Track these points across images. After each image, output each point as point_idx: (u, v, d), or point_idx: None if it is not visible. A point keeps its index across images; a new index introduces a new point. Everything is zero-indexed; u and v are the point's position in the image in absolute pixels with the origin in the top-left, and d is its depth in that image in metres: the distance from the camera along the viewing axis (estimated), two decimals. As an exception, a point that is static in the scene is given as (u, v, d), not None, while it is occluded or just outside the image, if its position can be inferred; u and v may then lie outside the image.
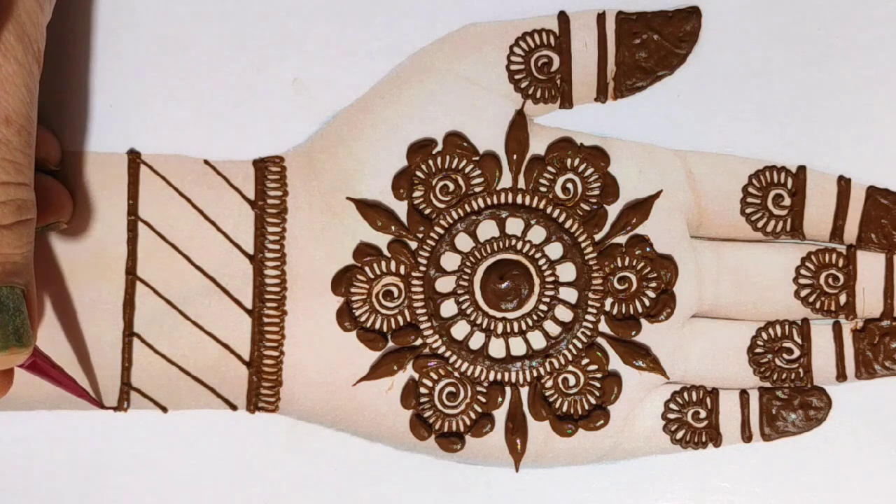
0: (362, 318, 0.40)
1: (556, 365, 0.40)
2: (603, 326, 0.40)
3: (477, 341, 0.40)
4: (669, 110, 0.40)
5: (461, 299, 0.40)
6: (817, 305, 0.40)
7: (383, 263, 0.40)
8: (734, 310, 0.40)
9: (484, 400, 0.40)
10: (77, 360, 0.39)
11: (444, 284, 0.40)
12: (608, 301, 0.40)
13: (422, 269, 0.40)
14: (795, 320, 0.40)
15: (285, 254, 0.40)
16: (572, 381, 0.40)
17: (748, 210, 0.40)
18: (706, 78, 0.40)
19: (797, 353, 0.40)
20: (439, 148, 0.39)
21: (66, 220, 0.38)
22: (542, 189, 0.40)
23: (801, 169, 0.40)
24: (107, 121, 0.40)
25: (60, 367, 0.37)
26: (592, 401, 0.39)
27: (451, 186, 0.40)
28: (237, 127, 0.40)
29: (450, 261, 0.40)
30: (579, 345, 0.40)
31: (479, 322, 0.40)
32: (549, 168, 0.40)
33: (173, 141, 0.40)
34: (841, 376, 0.40)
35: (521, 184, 0.40)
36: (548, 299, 0.40)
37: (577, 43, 0.40)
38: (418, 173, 0.39)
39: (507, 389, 0.40)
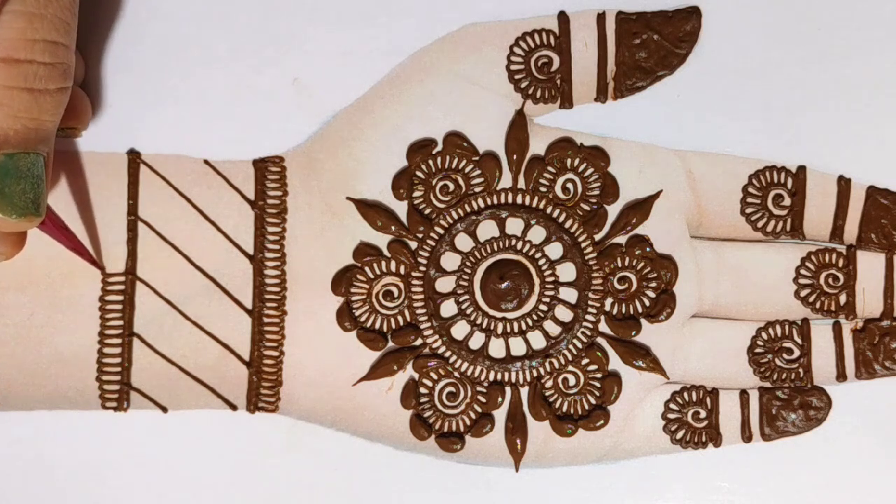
0: (362, 318, 0.40)
1: (556, 365, 0.40)
2: (603, 326, 0.40)
3: (477, 341, 0.40)
4: (669, 110, 0.40)
5: (461, 299, 0.40)
6: (817, 305, 0.40)
7: (383, 263, 0.40)
8: (734, 310, 0.40)
9: (484, 400, 0.40)
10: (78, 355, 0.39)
11: (444, 284, 0.40)
12: (608, 301, 0.40)
13: (422, 269, 0.40)
14: (795, 320, 0.40)
15: (285, 254, 0.40)
16: (572, 381, 0.40)
17: (748, 210, 0.40)
18: (706, 78, 0.40)
19: (797, 353, 0.40)
20: (439, 148, 0.39)
21: (83, 129, 0.38)
22: (542, 189, 0.40)
23: (801, 169, 0.40)
24: (107, 121, 0.40)
25: (68, 227, 0.37)
26: (592, 401, 0.39)
27: (451, 186, 0.40)
28: (237, 127, 0.40)
29: (450, 261, 0.40)
30: (579, 345, 0.40)
31: (479, 322, 0.40)
32: (549, 168, 0.40)
33: (173, 141, 0.40)
34: (841, 376, 0.40)
35: (521, 184, 0.40)
36: (548, 299, 0.40)
37: (577, 43, 0.40)
38: (418, 173, 0.39)
39: (507, 389, 0.40)
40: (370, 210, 0.39)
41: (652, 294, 0.40)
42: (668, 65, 0.40)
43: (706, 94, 0.40)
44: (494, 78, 0.39)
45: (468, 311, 0.40)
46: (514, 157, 0.39)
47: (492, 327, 0.40)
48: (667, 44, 0.40)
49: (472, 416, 0.40)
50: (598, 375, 0.40)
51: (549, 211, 0.40)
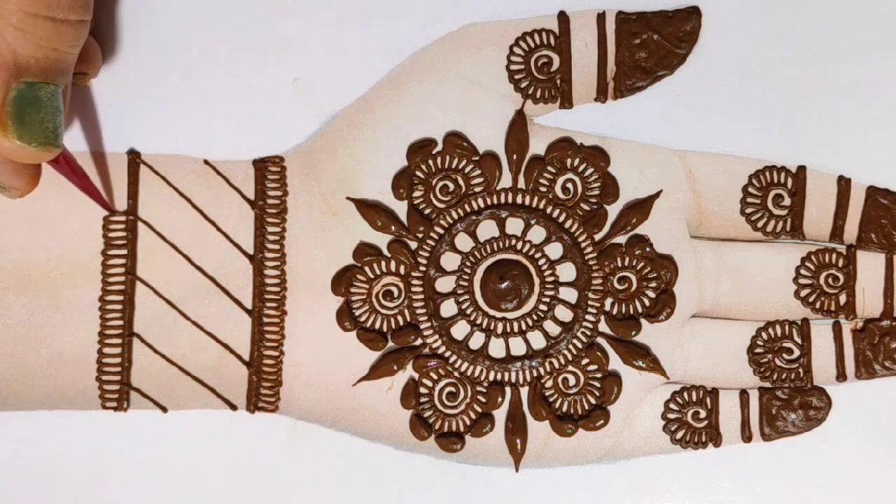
0: (362, 318, 0.40)
1: (556, 365, 0.40)
2: (603, 326, 0.40)
3: (477, 341, 0.40)
4: (669, 110, 0.40)
5: (461, 299, 0.40)
6: (817, 305, 0.40)
7: (383, 263, 0.40)
8: (734, 310, 0.40)
9: (484, 400, 0.40)
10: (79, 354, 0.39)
11: (444, 284, 0.40)
12: (608, 301, 0.40)
13: (422, 269, 0.40)
14: (795, 320, 0.40)
15: (285, 254, 0.40)
16: (572, 381, 0.40)
17: (748, 210, 0.40)
18: (706, 78, 0.40)
19: (797, 353, 0.40)
20: (439, 148, 0.39)
21: (94, 74, 0.38)
22: (542, 189, 0.40)
23: (801, 169, 0.40)
24: (107, 121, 0.40)
25: (82, 168, 0.37)
26: (592, 401, 0.39)
27: (451, 186, 0.40)
28: (237, 127, 0.40)
29: (450, 261, 0.40)
30: (579, 345, 0.40)
31: (479, 322, 0.40)
32: (549, 168, 0.40)
33: (173, 141, 0.40)
34: (841, 376, 0.40)
35: (521, 184, 0.40)
36: (548, 299, 0.40)
37: (577, 43, 0.40)
38: (418, 173, 0.39)
39: (507, 389, 0.40)
40: (370, 210, 0.39)
41: (652, 294, 0.40)
42: (668, 65, 0.40)
43: (706, 94, 0.40)
44: (494, 78, 0.39)
45: (468, 311, 0.40)
46: (514, 157, 0.39)
47: (492, 327, 0.40)
48: (667, 44, 0.40)
49: (472, 416, 0.40)
50: (598, 375, 0.40)
51: (549, 211, 0.40)
